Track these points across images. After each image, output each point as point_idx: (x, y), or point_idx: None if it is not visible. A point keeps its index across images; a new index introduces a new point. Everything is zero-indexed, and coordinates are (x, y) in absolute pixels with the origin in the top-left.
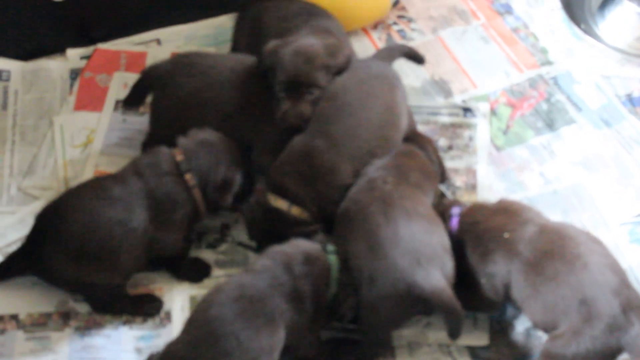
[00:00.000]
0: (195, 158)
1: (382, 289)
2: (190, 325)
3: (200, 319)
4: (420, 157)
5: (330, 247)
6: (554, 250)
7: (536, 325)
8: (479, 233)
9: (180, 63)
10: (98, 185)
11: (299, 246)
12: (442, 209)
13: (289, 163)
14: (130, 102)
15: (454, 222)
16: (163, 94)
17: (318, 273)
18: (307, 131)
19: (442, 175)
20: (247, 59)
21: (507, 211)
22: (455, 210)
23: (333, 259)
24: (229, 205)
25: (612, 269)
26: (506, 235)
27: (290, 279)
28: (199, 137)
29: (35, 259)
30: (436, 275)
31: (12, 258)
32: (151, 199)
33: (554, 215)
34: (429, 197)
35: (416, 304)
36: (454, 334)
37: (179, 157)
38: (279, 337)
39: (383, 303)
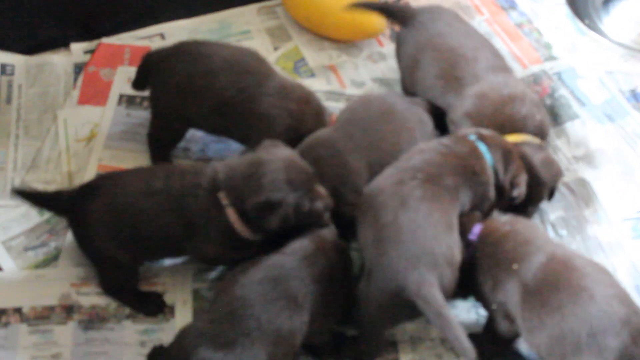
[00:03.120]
0: (233, 177)
1: (375, 285)
2: (215, 303)
3: (223, 298)
4: (479, 157)
5: (353, 245)
6: (559, 281)
7: (541, 358)
8: (490, 263)
9: (179, 50)
10: (146, 176)
11: (329, 233)
12: (464, 223)
13: (305, 158)
14: (136, 86)
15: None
16: (159, 79)
17: (347, 258)
18: (332, 130)
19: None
20: (245, 51)
21: (516, 238)
22: (475, 232)
23: (354, 255)
24: (276, 228)
25: (619, 299)
26: (515, 266)
27: (324, 260)
28: (249, 155)
29: (76, 210)
30: (431, 282)
31: (57, 196)
32: (183, 208)
33: (556, 210)
34: (459, 203)
35: (405, 306)
36: (466, 353)
37: (221, 175)
38: (302, 321)
39: (375, 299)
